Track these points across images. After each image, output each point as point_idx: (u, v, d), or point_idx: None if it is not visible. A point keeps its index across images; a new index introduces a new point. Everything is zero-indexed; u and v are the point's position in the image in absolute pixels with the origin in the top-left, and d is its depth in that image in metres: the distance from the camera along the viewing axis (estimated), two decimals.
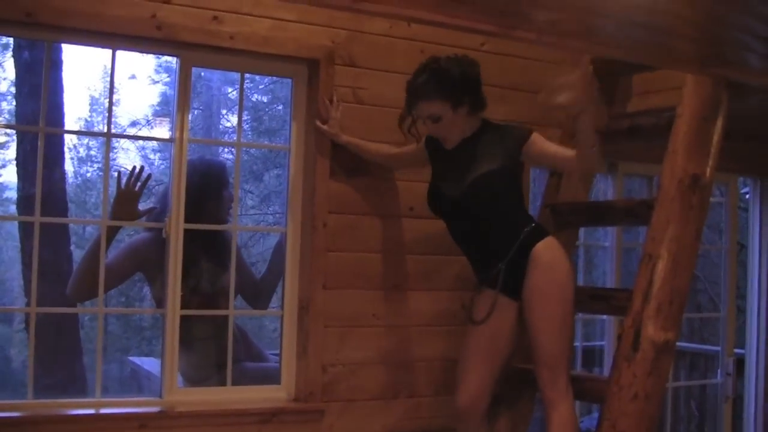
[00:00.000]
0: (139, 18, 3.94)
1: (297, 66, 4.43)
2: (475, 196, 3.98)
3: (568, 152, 3.95)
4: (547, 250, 3.94)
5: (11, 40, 9.26)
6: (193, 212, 4.32)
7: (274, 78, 13.33)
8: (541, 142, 3.99)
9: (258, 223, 14.62)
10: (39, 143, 4.15)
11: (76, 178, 15.74)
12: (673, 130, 4.00)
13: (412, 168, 4.47)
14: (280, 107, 14.00)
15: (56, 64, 7.90)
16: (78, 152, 15.90)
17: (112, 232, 4.54)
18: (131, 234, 5.72)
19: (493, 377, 4.16)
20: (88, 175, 15.59)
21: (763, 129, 5.36)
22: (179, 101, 4.22)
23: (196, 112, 14.87)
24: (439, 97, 3.93)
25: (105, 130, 4.34)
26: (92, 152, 15.74)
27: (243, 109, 14.00)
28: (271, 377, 4.59)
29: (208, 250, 4.77)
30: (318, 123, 4.34)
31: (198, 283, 4.75)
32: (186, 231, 4.27)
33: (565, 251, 4.07)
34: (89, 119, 15.67)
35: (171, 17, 4.00)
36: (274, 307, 5.25)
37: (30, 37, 5.19)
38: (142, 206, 4.58)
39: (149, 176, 4.64)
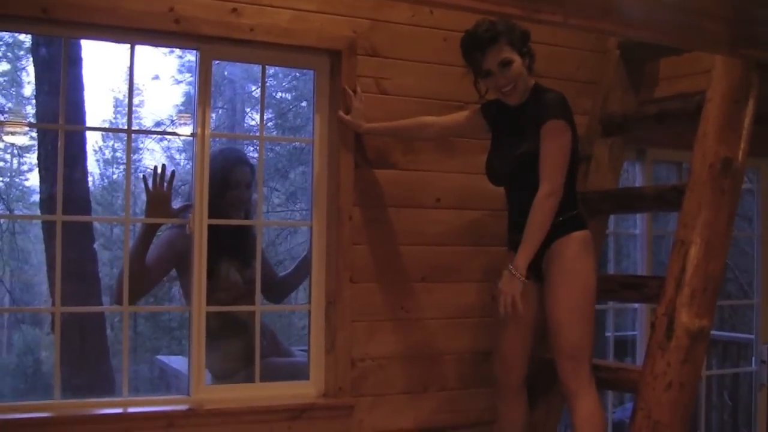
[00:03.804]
0: (157, 12, 3.89)
1: (319, 57, 4.37)
2: (515, 174, 3.95)
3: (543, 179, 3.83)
4: (572, 244, 3.88)
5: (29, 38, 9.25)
6: (214, 202, 4.28)
7: (298, 74, 13.33)
8: (545, 141, 3.80)
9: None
10: (59, 141, 4.12)
11: (102, 180, 15.83)
12: (703, 114, 3.94)
13: (462, 136, 4.45)
14: (304, 104, 13.99)
15: (75, 61, 7.87)
16: (104, 154, 15.97)
17: (152, 232, 4.52)
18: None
19: (525, 346, 4.15)
20: (114, 177, 15.67)
21: None
22: (200, 96, 4.18)
23: (220, 111, 14.90)
24: (507, 40, 3.84)
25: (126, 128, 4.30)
26: (118, 154, 15.84)
27: (265, 103, 14.08)
28: (299, 373, 4.55)
29: (230, 242, 4.73)
30: (341, 114, 4.29)
31: (226, 279, 4.72)
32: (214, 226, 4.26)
33: (594, 246, 4.03)
34: (114, 121, 15.74)
35: (189, 10, 3.95)
36: (301, 303, 5.22)
37: (46, 34, 5.19)
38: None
39: (173, 173, 4.59)
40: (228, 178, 4.71)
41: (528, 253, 3.79)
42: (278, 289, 5.20)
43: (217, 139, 10.77)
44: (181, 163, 15.31)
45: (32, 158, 14.30)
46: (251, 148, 10.71)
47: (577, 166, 4.07)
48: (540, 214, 3.79)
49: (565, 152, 3.83)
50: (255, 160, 4.82)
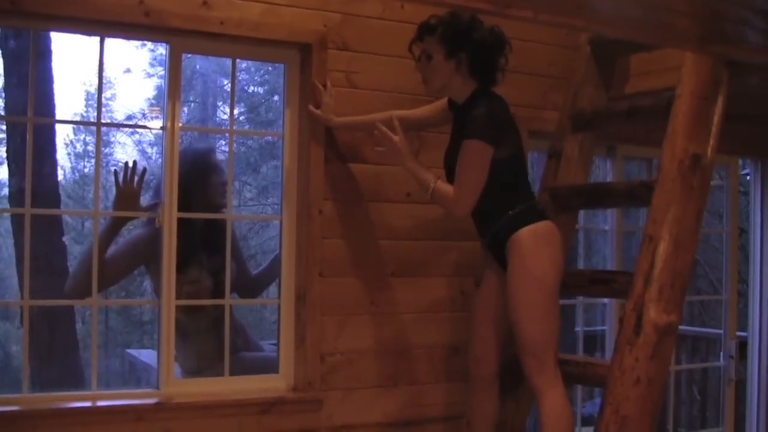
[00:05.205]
0: (127, 4, 3.87)
1: (289, 51, 4.37)
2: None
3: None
4: (526, 237, 3.84)
5: None
6: (185, 203, 4.27)
7: (270, 68, 13.30)
8: (460, 156, 3.84)
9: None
10: (28, 134, 4.09)
11: (74, 173, 15.74)
12: (672, 111, 3.95)
13: (432, 128, 4.43)
14: (277, 98, 13.96)
15: (44, 54, 7.82)
16: (75, 148, 15.89)
17: (118, 227, 4.50)
18: (130, 229, 5.68)
19: (497, 341, 4.15)
20: (86, 170, 15.59)
21: (764, 109, 5.31)
22: (170, 89, 4.16)
23: (192, 105, 14.84)
24: (441, 37, 3.86)
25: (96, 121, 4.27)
26: (89, 147, 15.74)
27: (237, 97, 14.05)
28: (269, 367, 4.54)
29: (205, 240, 4.72)
30: (311, 108, 4.28)
31: (198, 274, 4.72)
32: (185, 222, 4.26)
33: (555, 237, 3.95)
34: (85, 114, 15.64)
35: (159, 3, 3.93)
36: (272, 297, 5.21)
37: (15, 26, 5.15)
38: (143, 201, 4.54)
39: (144, 170, 4.56)
40: (204, 182, 4.73)
41: (410, 169, 3.96)
42: (252, 287, 5.20)
43: (188, 132, 10.77)
44: (153, 157, 15.24)
45: (2, 152, 14.22)
46: (222, 142, 10.71)
47: (522, 162, 4.06)
48: (437, 189, 3.89)
49: (477, 171, 3.82)
50: (226, 154, 4.80)
